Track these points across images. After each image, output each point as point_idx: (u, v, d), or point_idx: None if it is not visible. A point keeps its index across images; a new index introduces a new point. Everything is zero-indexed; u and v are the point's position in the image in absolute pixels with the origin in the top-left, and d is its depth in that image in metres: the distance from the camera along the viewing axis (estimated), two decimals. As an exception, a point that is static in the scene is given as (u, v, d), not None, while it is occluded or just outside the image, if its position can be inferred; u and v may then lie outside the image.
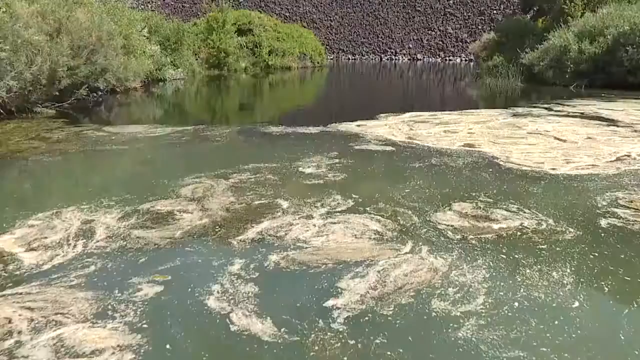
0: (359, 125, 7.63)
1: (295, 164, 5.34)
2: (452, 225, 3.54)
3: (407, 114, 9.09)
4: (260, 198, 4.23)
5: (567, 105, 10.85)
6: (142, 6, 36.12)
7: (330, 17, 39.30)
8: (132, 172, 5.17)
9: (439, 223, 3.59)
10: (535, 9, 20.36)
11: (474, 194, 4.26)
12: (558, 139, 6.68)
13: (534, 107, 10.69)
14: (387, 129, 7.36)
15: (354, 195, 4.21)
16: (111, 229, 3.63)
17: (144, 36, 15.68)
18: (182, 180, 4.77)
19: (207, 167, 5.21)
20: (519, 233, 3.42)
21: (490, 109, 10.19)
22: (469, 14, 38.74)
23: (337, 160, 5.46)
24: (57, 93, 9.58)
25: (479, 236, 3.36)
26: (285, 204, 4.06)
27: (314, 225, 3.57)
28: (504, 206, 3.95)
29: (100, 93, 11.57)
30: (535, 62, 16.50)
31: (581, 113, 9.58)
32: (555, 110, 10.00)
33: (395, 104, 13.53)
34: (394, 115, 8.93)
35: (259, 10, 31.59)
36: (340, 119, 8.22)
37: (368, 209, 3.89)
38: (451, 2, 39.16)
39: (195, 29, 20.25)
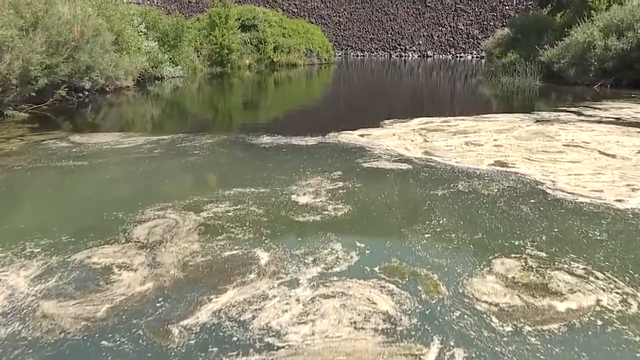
0: (362, 135, 6.43)
1: (288, 189, 4.21)
2: (496, 304, 2.39)
3: (416, 120, 7.88)
4: (233, 246, 3.11)
5: (598, 109, 9.61)
6: (148, 1, 35.07)
7: (338, 12, 38.02)
8: (81, 201, 4.06)
9: (477, 299, 2.44)
10: (553, 3, 18.97)
11: (519, 243, 3.10)
12: (604, 153, 5.48)
13: (560, 110, 9.46)
14: (398, 140, 6.18)
15: (358, 244, 3.07)
16: (15, 297, 2.54)
17: (141, 32, 14.63)
18: (141, 214, 3.67)
19: (176, 194, 4.10)
20: (598, 321, 2.26)
21: (510, 114, 8.94)
22: (481, 9, 37.28)
23: (340, 185, 4.31)
24: (34, 94, 8.54)
25: (538, 327, 2.20)
26: (264, 258, 2.93)
27: (297, 300, 2.44)
28: (565, 266, 2.79)
29: (86, 93, 10.53)
30: (555, 59, 15.20)
31: (616, 118, 8.34)
32: (586, 115, 8.76)
33: (404, 105, 12.35)
34: (401, 121, 7.73)
35: (265, 6, 30.47)
36: (343, 126, 7.06)
37: (377, 269, 2.74)
38: (462, -3, 37.72)
39: (197, 25, 19.14)
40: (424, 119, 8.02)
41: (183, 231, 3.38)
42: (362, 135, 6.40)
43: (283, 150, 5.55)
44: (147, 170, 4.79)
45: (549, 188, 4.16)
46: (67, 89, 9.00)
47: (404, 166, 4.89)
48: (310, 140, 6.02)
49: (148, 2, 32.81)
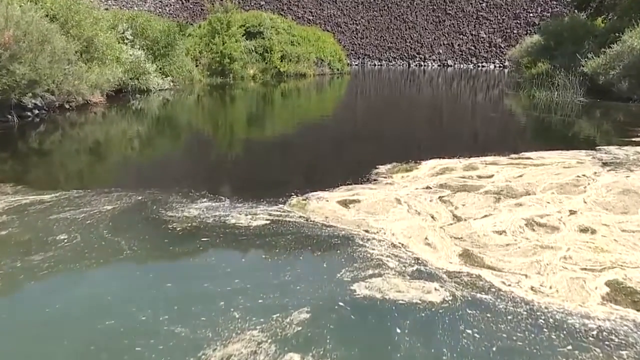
0: (346, 204, 3.76)
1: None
2: None
3: (428, 165, 5.23)
4: None
5: (684, 140, 6.97)
6: (160, 9, 33.12)
7: (355, 20, 35.53)
8: None
9: None
10: (593, 5, 16.12)
11: None
12: None
13: (632, 143, 6.83)
14: (408, 216, 3.56)
15: None
16: None
17: (127, 39, 12.40)
18: None
19: None
20: None
21: (563, 151, 6.24)
22: (503, 17, 34.36)
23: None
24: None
25: None
26: None
27: None
28: None
29: (36, 112, 8.26)
30: (601, 70, 12.46)
31: None
32: (676, 152, 6.14)
33: (414, 135, 9.80)
34: (406, 168, 5.10)
35: (280, 14, 28.17)
36: (326, 179, 4.54)
37: None
38: (484, 4, 34.87)
39: (198, 32, 16.90)
40: (439, 164, 5.33)
41: None
42: (345, 205, 3.76)
43: (206, 239, 3.01)
44: None
45: None
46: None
47: (432, 297, 2.39)
48: (263, 214, 3.42)
49: (160, 11, 30.87)
